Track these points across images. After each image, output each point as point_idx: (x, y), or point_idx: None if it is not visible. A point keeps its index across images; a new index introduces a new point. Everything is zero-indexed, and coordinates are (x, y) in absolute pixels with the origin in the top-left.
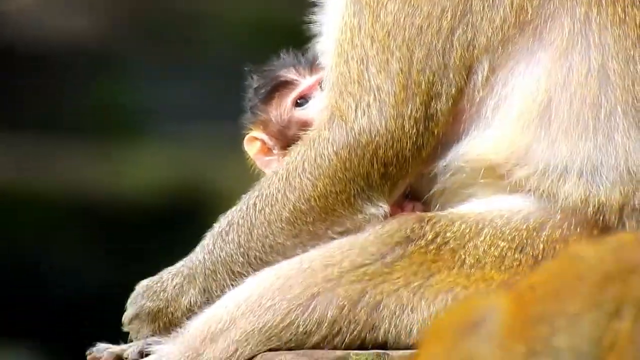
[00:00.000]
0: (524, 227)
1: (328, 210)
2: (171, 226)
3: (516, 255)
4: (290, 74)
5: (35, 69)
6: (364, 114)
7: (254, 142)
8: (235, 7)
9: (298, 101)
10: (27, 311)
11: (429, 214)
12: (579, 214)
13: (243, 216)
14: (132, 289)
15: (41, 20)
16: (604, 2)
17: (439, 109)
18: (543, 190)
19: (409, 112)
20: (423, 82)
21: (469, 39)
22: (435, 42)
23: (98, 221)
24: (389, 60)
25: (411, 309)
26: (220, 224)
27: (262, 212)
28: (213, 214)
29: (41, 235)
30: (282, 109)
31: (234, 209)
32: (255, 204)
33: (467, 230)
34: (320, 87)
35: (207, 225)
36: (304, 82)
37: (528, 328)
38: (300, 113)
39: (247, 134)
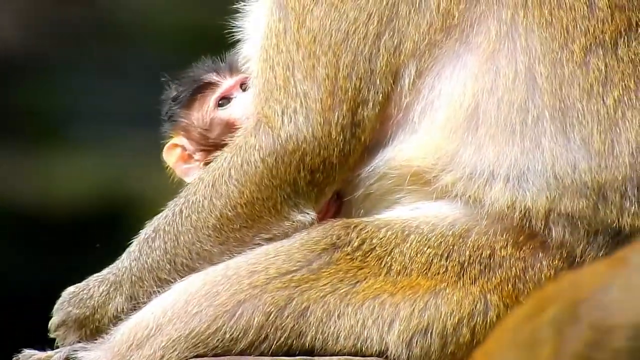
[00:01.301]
0: (450, 233)
1: (255, 217)
2: (97, 232)
3: (442, 262)
4: (211, 77)
5: None
6: (291, 121)
7: (173, 150)
8: (161, 13)
9: (220, 102)
10: None
11: (355, 220)
12: (506, 219)
13: (169, 223)
14: (58, 295)
15: None
16: (530, 4)
17: (365, 115)
18: (469, 196)
19: (335, 118)
20: (350, 89)
21: (395, 43)
22: (362, 48)
23: (24, 226)
24: (315, 66)
25: (338, 315)
26: (147, 231)
27: (189, 218)
28: (139, 220)
29: None
30: (204, 110)
31: (160, 215)
32: (181, 211)
33: (393, 237)
34: (242, 87)
35: (133, 231)
36: (225, 82)
37: None
38: (223, 113)
39: (167, 142)
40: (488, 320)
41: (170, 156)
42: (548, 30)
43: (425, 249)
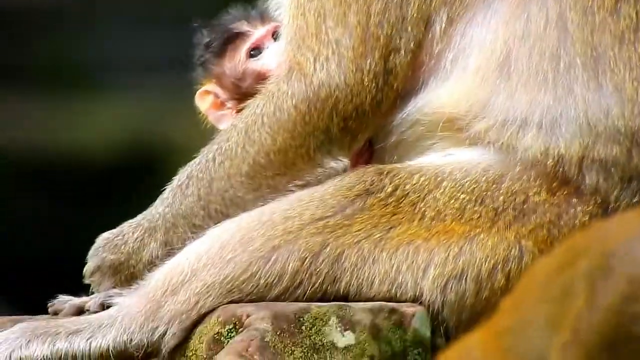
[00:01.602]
0: (483, 179)
1: (288, 164)
2: (129, 179)
3: (476, 208)
4: (242, 26)
5: None
6: (323, 68)
7: (206, 97)
8: None
9: (251, 52)
10: None
11: (388, 166)
12: (539, 166)
13: (202, 169)
14: (91, 243)
15: None
16: None
17: (397, 62)
18: (502, 143)
19: (367, 66)
20: (382, 36)
21: None
22: None
23: (58, 175)
24: (346, 13)
25: (372, 261)
26: (180, 178)
27: (222, 165)
28: (172, 167)
29: None
30: (235, 60)
31: (193, 162)
32: (214, 158)
33: (427, 183)
34: (273, 37)
35: (166, 178)
36: (256, 32)
37: (495, 346)
38: (255, 64)
39: (199, 89)
40: (523, 266)
41: (202, 102)
42: None
43: (459, 194)
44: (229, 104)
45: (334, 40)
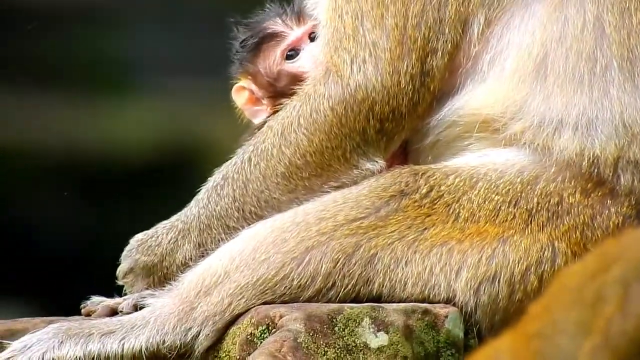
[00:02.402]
0: (518, 180)
1: (324, 165)
2: (162, 180)
3: (510, 209)
4: (277, 26)
5: (19, 22)
6: (360, 70)
7: (242, 92)
8: None
9: (288, 53)
10: (21, 267)
11: (423, 167)
12: (574, 167)
13: (238, 170)
14: (125, 244)
15: None
16: None
17: (434, 64)
18: (538, 144)
19: (404, 68)
20: (419, 38)
21: None
22: None
23: (89, 176)
24: (383, 15)
25: (405, 262)
26: (215, 179)
27: (258, 166)
28: (204, 168)
29: (30, 191)
30: (271, 61)
31: (228, 163)
32: (250, 159)
33: (461, 184)
34: (310, 38)
35: (198, 179)
36: (292, 33)
37: (524, 350)
38: (290, 66)
39: (235, 83)
40: (556, 268)
41: (239, 97)
42: None
43: (493, 195)
44: (265, 101)
45: (371, 42)
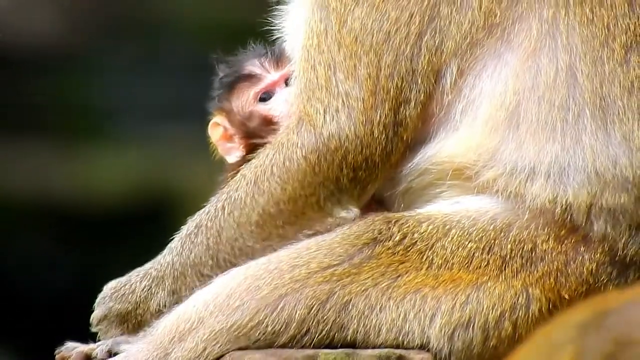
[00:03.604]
0: (491, 227)
1: (298, 213)
2: (138, 227)
3: (484, 256)
4: (254, 68)
5: None
6: (333, 120)
7: (217, 128)
8: (202, 7)
9: (261, 96)
10: None
11: (396, 214)
12: (547, 214)
13: (212, 219)
14: (100, 289)
15: (5, 21)
16: (571, 2)
17: (407, 114)
18: (510, 191)
19: (377, 118)
20: (392, 88)
21: (437, 43)
22: (404, 47)
23: (65, 222)
24: (356, 65)
25: (380, 308)
26: (189, 227)
27: (231, 215)
28: (179, 215)
29: (6, 236)
30: (243, 101)
31: (202, 211)
32: (224, 207)
33: (435, 231)
34: (286, 83)
35: (173, 226)
36: (268, 77)
37: None
38: (263, 108)
39: (212, 118)
40: (530, 314)
41: (214, 133)
42: (589, 28)
43: (467, 243)
44: (237, 139)
45: (343, 92)
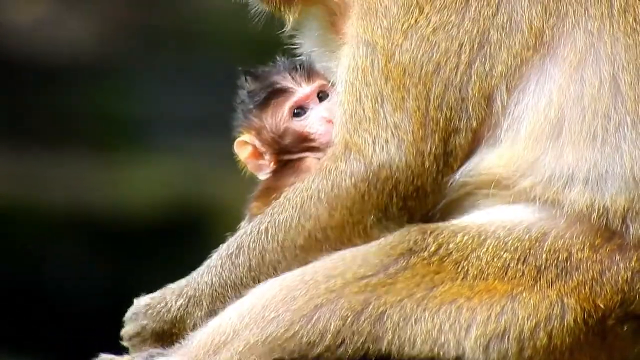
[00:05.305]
0: (527, 237)
1: (344, 240)
2: (172, 238)
3: (519, 266)
4: (286, 82)
5: (35, 81)
6: (383, 150)
7: (245, 147)
8: (238, 20)
9: (295, 111)
10: (30, 323)
11: (431, 225)
12: (584, 220)
13: (254, 240)
14: (130, 299)
15: (42, 32)
16: (615, 13)
17: (457, 143)
18: (548, 197)
19: (428, 149)
20: (441, 119)
21: (487, 69)
22: (453, 77)
23: (99, 233)
24: (404, 98)
25: (415, 320)
26: (229, 247)
27: (275, 237)
28: (214, 227)
29: (41, 247)
30: (278, 117)
31: (243, 232)
32: (267, 229)
33: (470, 242)
34: (319, 96)
35: (207, 238)
36: (300, 90)
37: None
38: (297, 124)
39: (238, 136)
40: (565, 324)
41: (241, 151)
42: (632, 37)
43: (502, 253)
44: (267, 156)
45: (392, 124)
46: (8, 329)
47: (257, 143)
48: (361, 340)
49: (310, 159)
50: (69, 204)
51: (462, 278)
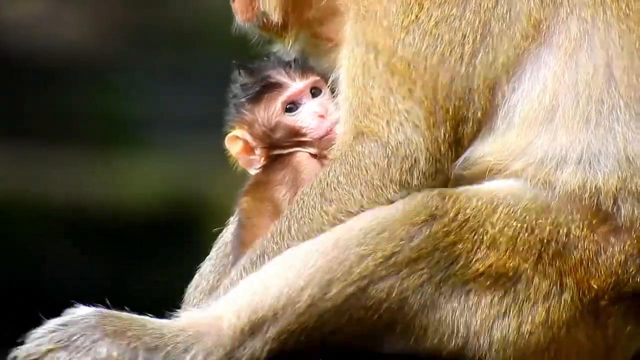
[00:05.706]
0: (533, 206)
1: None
2: (169, 235)
3: (526, 236)
4: (279, 76)
5: (34, 79)
6: (399, 131)
7: (236, 141)
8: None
9: (288, 106)
10: (26, 321)
11: (449, 190)
12: (576, 200)
13: (278, 242)
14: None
15: (40, 31)
16: (608, 0)
17: (464, 133)
18: (539, 179)
19: (442, 136)
20: (450, 108)
21: (490, 59)
22: (459, 68)
23: (95, 230)
24: (412, 90)
25: (431, 306)
26: (251, 258)
27: (300, 231)
28: (211, 224)
29: (41, 245)
30: (270, 112)
31: (260, 241)
32: (289, 227)
33: (484, 208)
34: (311, 92)
35: (205, 235)
36: (294, 85)
37: None
38: (289, 119)
39: (230, 131)
40: (562, 301)
41: (232, 146)
42: (625, 23)
43: (512, 222)
44: (258, 151)
45: (403, 110)
46: (7, 329)
47: (249, 137)
48: (380, 325)
49: (301, 153)
50: (68, 203)
51: (477, 248)
